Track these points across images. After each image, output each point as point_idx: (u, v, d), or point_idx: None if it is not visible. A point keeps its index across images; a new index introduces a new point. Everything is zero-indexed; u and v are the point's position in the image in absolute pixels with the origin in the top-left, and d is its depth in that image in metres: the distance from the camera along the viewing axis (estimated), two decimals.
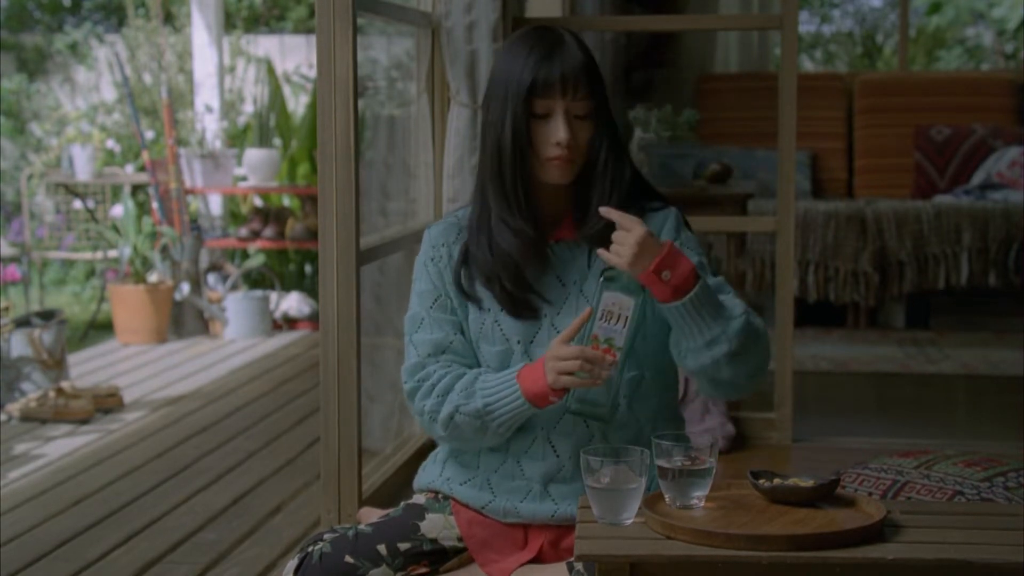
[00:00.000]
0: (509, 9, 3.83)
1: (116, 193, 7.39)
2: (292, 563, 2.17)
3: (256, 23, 9.75)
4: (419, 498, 2.31)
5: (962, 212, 6.29)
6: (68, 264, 8.50)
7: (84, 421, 4.79)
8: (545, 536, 2.21)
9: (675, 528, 1.84)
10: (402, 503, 2.31)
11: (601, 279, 2.04)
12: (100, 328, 6.89)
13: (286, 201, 7.60)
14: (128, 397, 5.15)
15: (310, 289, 7.26)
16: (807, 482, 1.95)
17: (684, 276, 2.01)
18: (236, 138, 7.67)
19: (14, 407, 4.86)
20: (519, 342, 2.18)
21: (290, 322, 6.84)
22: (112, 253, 6.86)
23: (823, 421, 4.50)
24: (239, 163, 7.31)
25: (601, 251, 2.04)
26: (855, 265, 6.28)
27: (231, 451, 4.38)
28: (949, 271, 6.28)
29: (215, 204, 7.31)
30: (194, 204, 7.17)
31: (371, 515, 2.52)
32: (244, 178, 7.14)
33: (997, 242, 6.23)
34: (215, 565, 3.26)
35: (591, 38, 6.63)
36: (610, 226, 2.09)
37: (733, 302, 2.09)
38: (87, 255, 7.52)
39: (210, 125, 7.25)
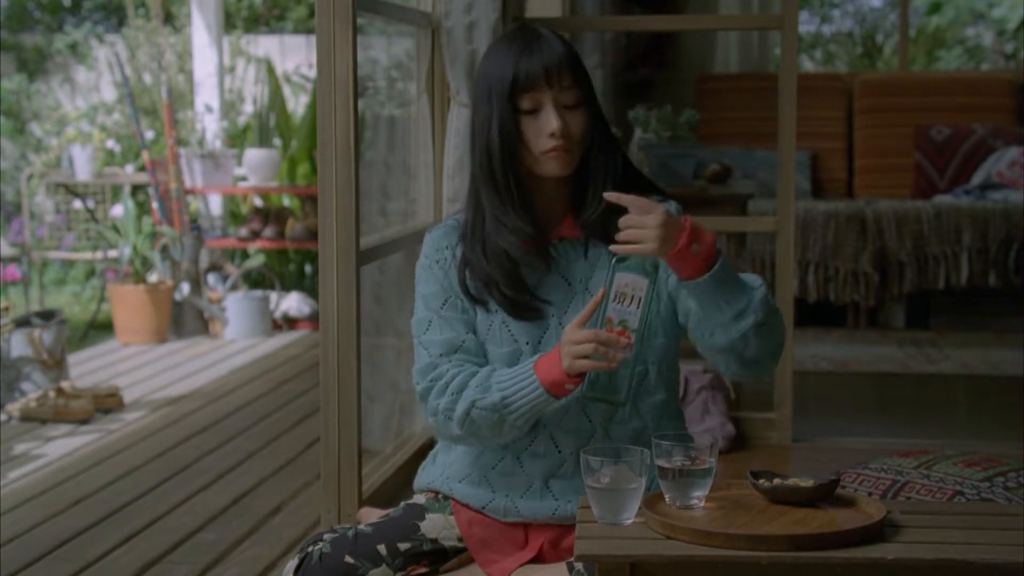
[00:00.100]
0: (509, 9, 3.82)
1: (116, 193, 7.39)
2: (292, 563, 2.17)
3: (256, 23, 9.75)
4: (419, 498, 2.31)
5: (962, 212, 6.30)
6: (68, 264, 8.50)
7: (84, 421, 4.79)
8: (545, 536, 2.21)
9: (675, 528, 1.84)
10: (402, 503, 2.31)
11: (613, 261, 2.01)
12: (100, 328, 6.89)
13: (286, 201, 7.61)
14: (128, 397, 5.16)
15: (310, 289, 7.26)
16: (807, 482, 1.95)
17: (710, 247, 1.99)
18: (236, 138, 7.67)
19: (14, 407, 4.86)
20: (527, 343, 2.17)
21: (290, 322, 6.84)
22: (112, 253, 6.86)
23: (823, 421, 4.50)
24: (239, 163, 7.31)
25: (619, 247, 1.99)
26: (855, 265, 6.28)
27: (231, 451, 4.38)
28: (949, 271, 6.28)
29: (215, 204, 7.31)
30: (194, 204, 7.17)
31: (371, 515, 2.52)
32: (244, 178, 7.14)
33: (997, 242, 6.23)
34: (215, 565, 3.26)
35: (591, 38, 6.64)
36: (609, 213, 2.08)
37: (748, 275, 2.08)
38: (87, 255, 7.52)
39: (210, 125, 7.25)
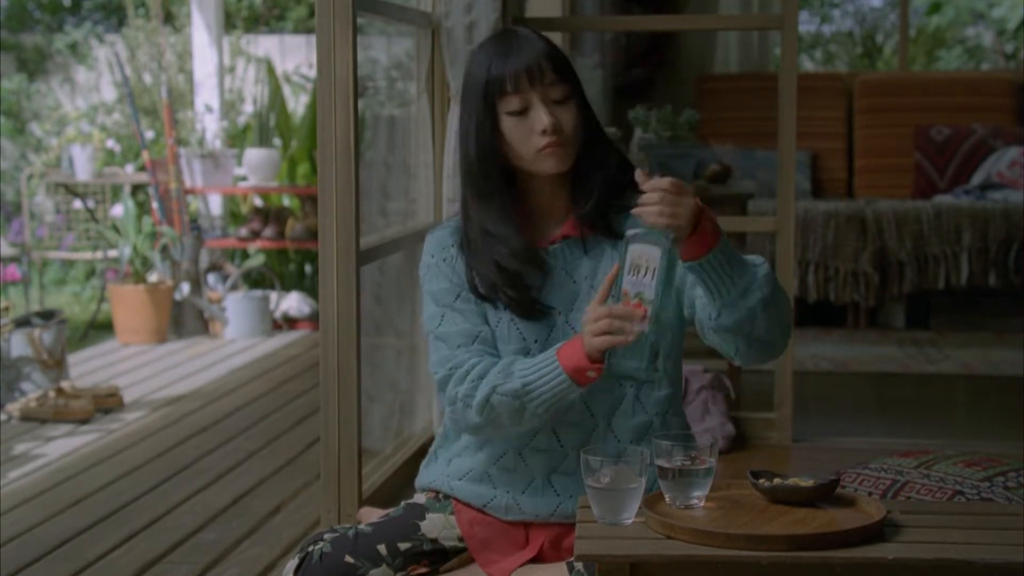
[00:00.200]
0: (509, 9, 3.82)
1: (116, 193, 7.39)
2: (292, 563, 2.17)
3: (256, 23, 9.75)
4: (420, 498, 2.31)
5: (962, 212, 6.30)
6: (68, 264, 8.50)
7: (84, 421, 4.79)
8: (546, 535, 2.21)
9: (675, 528, 1.84)
10: (402, 503, 2.31)
11: (627, 235, 1.99)
12: (100, 328, 6.89)
13: (286, 201, 7.60)
14: (128, 397, 5.15)
15: (310, 289, 7.26)
16: (807, 482, 1.95)
17: (714, 223, 2.00)
18: (236, 138, 7.67)
19: (14, 407, 4.86)
20: (536, 341, 2.17)
21: (290, 322, 6.84)
22: (112, 253, 6.86)
23: (823, 421, 4.50)
24: (239, 163, 7.31)
25: (652, 217, 1.95)
26: (855, 265, 6.28)
27: (231, 451, 4.38)
28: (949, 271, 6.28)
29: (215, 204, 7.31)
30: (194, 204, 7.17)
31: (371, 515, 2.51)
32: (244, 178, 7.14)
33: (997, 242, 6.23)
34: (215, 565, 3.26)
35: (591, 38, 6.64)
36: (606, 206, 2.12)
37: (750, 255, 2.08)
38: (87, 255, 7.52)
39: (210, 125, 7.25)
